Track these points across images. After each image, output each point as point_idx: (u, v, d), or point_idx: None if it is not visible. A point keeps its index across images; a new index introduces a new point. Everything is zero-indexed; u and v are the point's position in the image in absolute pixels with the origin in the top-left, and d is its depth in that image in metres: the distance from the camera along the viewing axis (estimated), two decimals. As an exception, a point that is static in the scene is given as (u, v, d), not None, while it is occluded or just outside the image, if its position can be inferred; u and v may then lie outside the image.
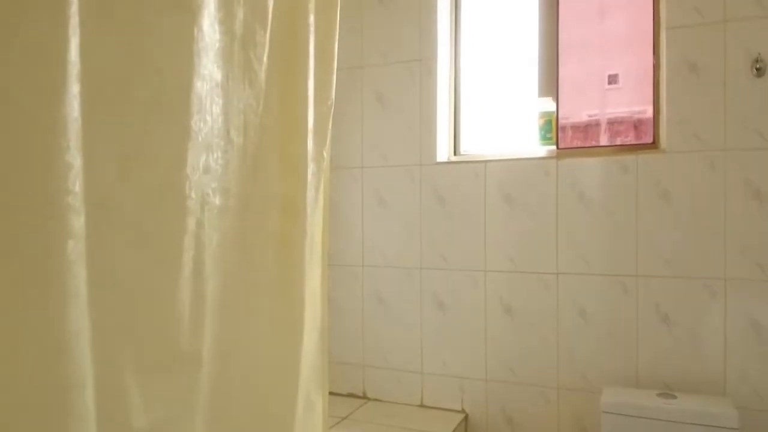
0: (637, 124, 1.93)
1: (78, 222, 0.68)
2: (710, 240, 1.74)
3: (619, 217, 1.85)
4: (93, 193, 0.71)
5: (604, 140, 1.98)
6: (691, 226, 1.76)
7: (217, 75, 0.95)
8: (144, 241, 0.80)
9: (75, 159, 0.68)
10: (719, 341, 1.73)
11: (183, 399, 0.86)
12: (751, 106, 1.71)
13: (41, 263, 0.64)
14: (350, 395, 2.27)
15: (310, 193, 1.20)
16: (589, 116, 2.00)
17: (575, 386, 1.90)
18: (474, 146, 2.25)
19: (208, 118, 0.93)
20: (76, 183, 0.68)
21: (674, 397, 1.65)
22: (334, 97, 1.31)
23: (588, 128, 2.00)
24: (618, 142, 1.96)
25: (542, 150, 2.07)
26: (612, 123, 1.96)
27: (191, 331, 0.87)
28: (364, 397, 2.25)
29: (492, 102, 2.27)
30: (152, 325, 0.81)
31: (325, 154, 1.29)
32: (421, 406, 2.15)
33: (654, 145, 1.88)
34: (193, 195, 0.88)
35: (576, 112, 2.02)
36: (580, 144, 2.01)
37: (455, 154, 2.23)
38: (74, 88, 0.68)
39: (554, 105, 2.04)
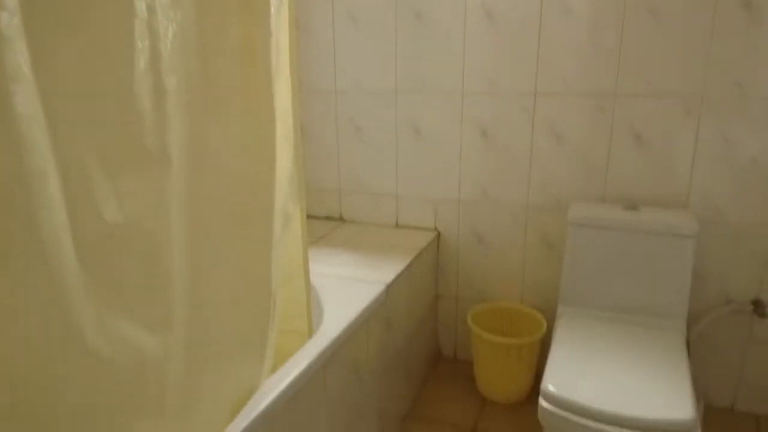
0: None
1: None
2: (692, 57, 1.69)
3: (603, 33, 1.76)
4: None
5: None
6: (677, 42, 1.69)
7: None
8: (88, 21, 0.72)
9: None
10: (687, 159, 1.77)
11: (156, 196, 0.85)
12: None
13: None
14: (327, 218, 2.34)
15: (273, -10, 1.08)
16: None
17: (544, 206, 1.97)
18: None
19: None
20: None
21: (638, 209, 1.72)
22: None
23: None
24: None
25: (528, -44, 1.89)
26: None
27: (155, 126, 0.83)
28: (341, 219, 2.32)
29: None
30: (112, 116, 0.77)
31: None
32: (396, 226, 2.23)
33: (648, -51, 1.73)
34: (139, -25, 0.78)
35: None
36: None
37: (434, -37, 2.04)
38: None
39: None
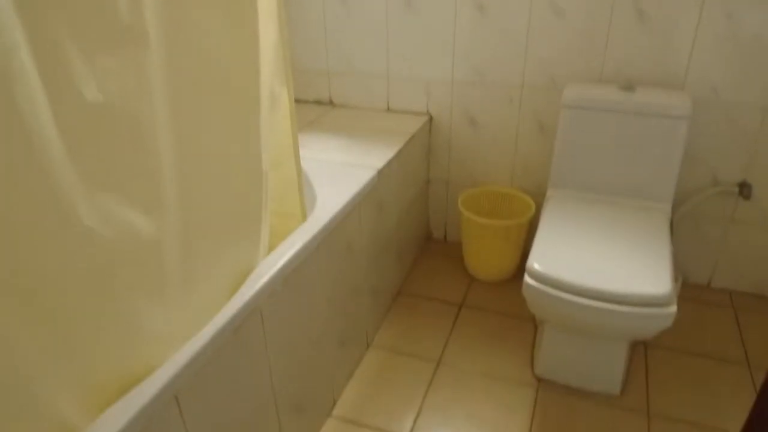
0: None
1: None
2: None
3: None
4: None
5: None
6: None
7: None
8: None
9: None
10: (689, 36, 1.69)
11: (137, 75, 0.81)
12: None
13: None
14: (316, 102, 2.28)
15: None
16: None
17: (539, 86, 1.92)
18: None
19: None
20: None
21: (633, 90, 1.69)
22: None
23: None
24: None
25: None
26: None
27: (129, 3, 0.78)
28: (331, 103, 2.26)
29: None
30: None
31: None
32: (387, 110, 2.18)
33: None
34: None
35: None
36: None
37: None
38: None
39: None
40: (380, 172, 1.67)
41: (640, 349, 1.72)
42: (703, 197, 1.85)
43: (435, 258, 2.22)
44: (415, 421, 1.49)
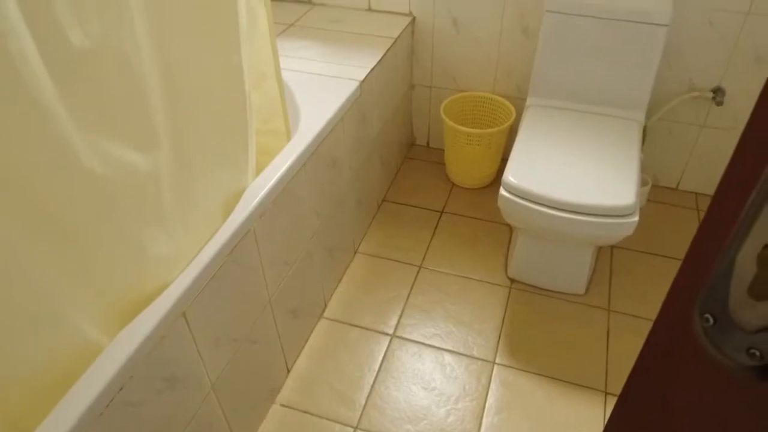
0: None
1: None
2: None
3: None
4: None
5: None
6: None
7: None
8: None
9: None
10: (679, -68, 1.64)
11: (119, 14, 0.82)
12: None
13: None
14: (295, 0, 2.20)
15: None
16: None
17: (524, -15, 1.87)
18: None
19: None
20: None
21: (617, -6, 1.66)
22: None
23: None
24: None
25: None
26: None
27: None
28: (310, 2, 2.19)
29: None
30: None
31: None
32: (369, 9, 2.12)
33: None
34: None
35: None
36: None
37: None
38: None
39: None
40: (363, 84, 1.68)
41: (607, 251, 1.86)
42: (677, 102, 1.89)
43: (418, 164, 2.28)
44: (399, 321, 1.64)
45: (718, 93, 1.84)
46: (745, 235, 0.35)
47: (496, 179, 2.15)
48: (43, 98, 0.73)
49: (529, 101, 1.82)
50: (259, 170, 1.32)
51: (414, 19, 2.07)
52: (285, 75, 1.58)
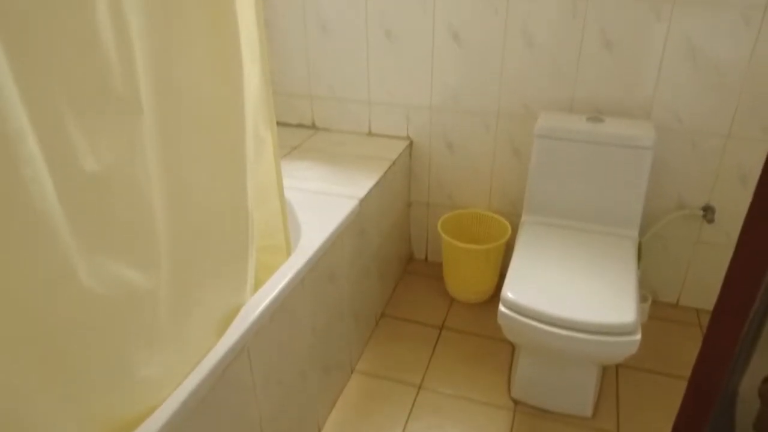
0: None
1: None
2: (669, -42, 1.65)
3: (580, -69, 1.69)
4: None
5: None
6: (654, -58, 1.64)
7: None
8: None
9: None
10: (655, 67, 1.79)
11: (131, 142, 0.86)
12: None
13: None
14: (299, 125, 2.33)
15: None
16: None
17: (514, 113, 2.00)
18: None
19: None
20: None
21: (602, 120, 1.77)
22: None
23: None
24: None
25: None
26: None
27: (122, 74, 0.83)
28: (314, 126, 2.32)
29: None
30: (78, 69, 0.76)
31: None
32: (369, 134, 2.24)
33: None
34: None
35: None
36: None
37: None
38: None
39: None
40: (362, 201, 1.73)
41: (612, 370, 1.81)
42: (669, 220, 1.94)
43: (417, 279, 2.28)
44: (397, 445, 1.55)
45: (708, 211, 1.89)
46: (744, 367, 0.35)
47: (496, 294, 2.14)
48: (50, 219, 0.75)
49: (524, 218, 1.86)
50: (258, 286, 1.32)
51: (411, 142, 2.19)
52: (288, 193, 1.64)
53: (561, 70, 1.88)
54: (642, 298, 1.90)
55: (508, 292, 1.45)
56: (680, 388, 1.73)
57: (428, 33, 1.98)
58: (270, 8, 2.10)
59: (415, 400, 1.70)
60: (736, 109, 1.76)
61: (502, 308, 1.45)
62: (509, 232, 2.06)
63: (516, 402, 1.68)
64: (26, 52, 0.69)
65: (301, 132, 2.28)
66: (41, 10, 0.70)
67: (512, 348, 1.90)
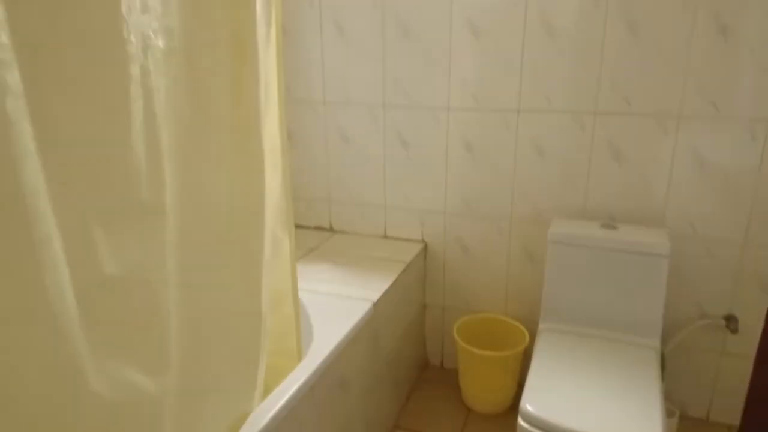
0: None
1: (13, 77, 0.64)
2: (671, 77, 1.74)
3: (585, 52, 1.81)
4: (24, 43, 0.66)
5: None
6: (655, 62, 1.75)
7: None
8: (88, 92, 0.76)
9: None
10: (665, 177, 1.83)
11: (151, 246, 0.89)
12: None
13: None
14: (317, 228, 2.38)
15: (260, 30, 1.12)
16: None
17: (527, 218, 2.03)
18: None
19: (140, -54, 0.83)
20: (2, 34, 0.62)
21: (615, 228, 1.79)
22: None
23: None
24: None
25: (513, -23, 1.93)
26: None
27: (150, 180, 0.88)
28: (331, 229, 2.37)
29: None
30: (109, 178, 0.81)
31: (275, -17, 1.18)
32: (384, 237, 2.28)
33: (629, -27, 1.78)
34: (132, 38, 0.82)
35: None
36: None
37: (421, -22, 2.07)
38: None
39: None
40: (376, 304, 1.72)
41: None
42: (691, 330, 1.88)
43: (432, 387, 2.21)
44: None
45: (730, 321, 1.83)
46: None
47: (514, 404, 2.04)
48: (67, 321, 0.76)
49: (541, 325, 1.83)
50: (267, 391, 1.29)
51: (426, 245, 2.21)
52: (302, 295, 1.64)
53: (572, 179, 1.93)
54: (668, 413, 1.80)
55: (527, 404, 1.39)
56: None
57: (442, 142, 2.07)
58: (294, 120, 2.23)
59: None
60: (750, 217, 1.77)
61: (521, 422, 1.38)
62: (527, 338, 2.01)
63: None
64: (62, 162, 0.73)
65: (318, 234, 2.33)
66: (81, 123, 0.76)
67: (533, 465, 1.78)
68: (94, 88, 0.77)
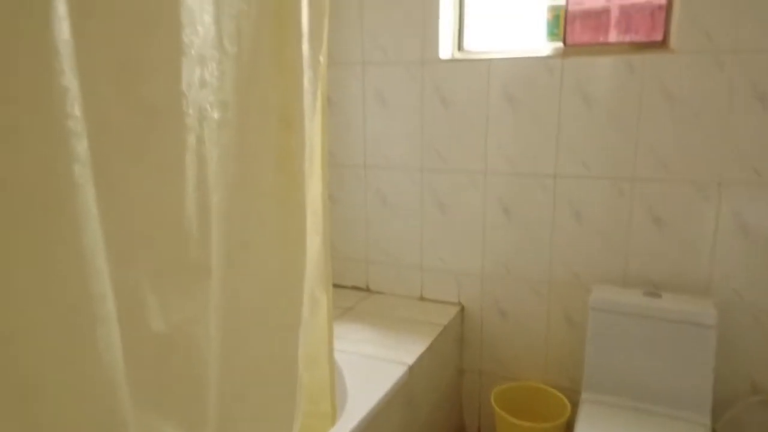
0: (653, 12, 1.85)
1: (81, 146, 0.70)
2: (709, 143, 1.74)
3: (621, 119, 1.84)
4: (93, 115, 0.72)
5: (613, 35, 1.92)
6: (692, 129, 1.75)
7: (207, -20, 0.92)
8: (147, 160, 0.82)
9: (71, 82, 0.68)
10: (708, 243, 1.79)
11: (196, 304, 0.93)
12: (765, 8, 1.63)
13: (58, 188, 0.67)
14: (354, 288, 2.40)
15: (307, 101, 1.19)
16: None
17: (566, 283, 2.00)
18: (479, 42, 2.17)
19: (200, 28, 0.91)
20: (75, 106, 0.69)
21: (659, 296, 1.74)
22: (330, -4, 1.26)
23: (600, 16, 1.92)
24: (628, 39, 1.89)
25: (548, 48, 2.00)
26: (625, 10, 1.87)
27: (199, 242, 0.92)
28: (367, 289, 2.38)
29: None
30: (162, 239, 0.86)
31: (321, 59, 1.27)
32: (421, 298, 2.28)
33: (664, 43, 1.82)
34: (191, 111, 0.89)
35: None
36: (589, 39, 1.94)
37: (459, 50, 2.17)
38: (61, 9, 0.66)
39: (564, -1, 1.94)
40: (411, 368, 1.71)
41: None
42: (744, 406, 1.78)
43: (468, 455, 2.13)
44: None
45: (788, 397, 1.73)
46: None
47: (555, 480, 1.94)
48: (113, 373, 0.79)
49: (583, 395, 1.76)
50: (299, 456, 1.28)
51: (463, 308, 2.20)
52: (337, 356, 1.64)
53: (611, 244, 1.91)
54: (725, 497, 1.68)
55: (567, 479, 1.33)
56: None
57: (479, 207, 2.09)
58: (335, 183, 2.31)
59: None
60: (802, 287, 1.70)
61: (561, 498, 1.32)
62: (569, 410, 1.93)
63: None
64: (120, 224, 0.79)
65: (355, 294, 2.35)
66: (139, 187, 0.82)
67: None
68: (153, 155, 0.83)
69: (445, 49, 2.10)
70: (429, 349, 1.86)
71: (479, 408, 2.25)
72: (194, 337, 0.92)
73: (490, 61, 2.00)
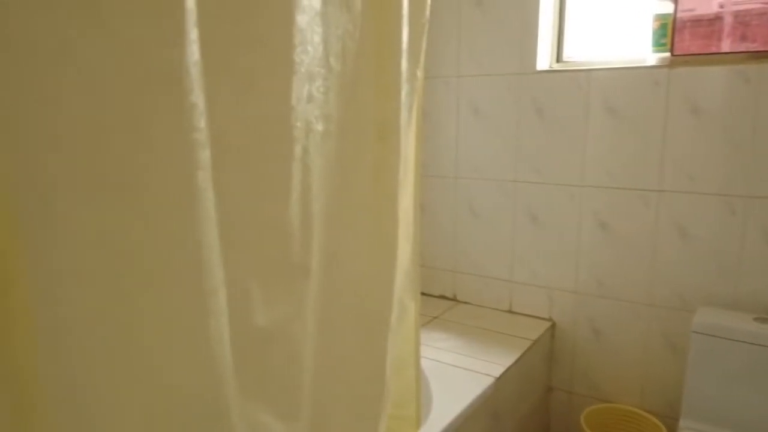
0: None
1: (204, 154, 0.79)
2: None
3: (734, 132, 1.72)
4: (215, 126, 0.81)
5: (727, 44, 1.80)
6: (819, 143, 1.61)
7: (317, 4, 0.99)
8: (258, 168, 0.90)
9: (198, 98, 0.77)
10: (834, 267, 1.63)
11: (296, 302, 1.00)
12: None
13: (184, 191, 0.76)
14: (441, 297, 2.42)
15: (403, 115, 1.24)
16: (720, 6, 1.80)
17: (668, 304, 1.90)
18: (579, 52, 2.12)
19: (310, 48, 0.98)
20: (201, 120, 0.78)
21: (772, 321, 1.61)
22: (428, 13, 1.30)
23: (713, 23, 1.81)
24: (743, 48, 1.76)
25: (654, 57, 1.92)
26: (740, 17, 1.75)
27: (301, 245, 0.99)
28: (454, 299, 2.39)
29: (602, 1, 2.10)
30: (269, 241, 0.94)
31: (418, 74, 1.31)
32: (509, 311, 2.25)
33: (785, 51, 1.69)
34: (298, 124, 0.96)
35: (703, 2, 1.81)
36: (699, 48, 1.83)
37: (558, 61, 2.13)
38: (193, 34, 0.75)
39: (672, 5, 1.85)
40: (498, 380, 1.70)
41: None
42: None
43: (554, 476, 2.07)
44: None
45: None
46: None
47: None
48: (221, 362, 0.87)
49: (682, 423, 1.66)
50: (383, 457, 1.32)
51: (554, 324, 2.14)
52: (423, 363, 1.67)
53: (720, 265, 1.79)
54: None
55: None
56: None
57: (574, 220, 2.04)
58: (426, 193, 2.34)
59: None
60: None
61: None
62: (665, 437, 1.83)
63: None
64: (232, 224, 0.87)
65: (442, 303, 2.36)
66: (251, 192, 0.90)
67: None
68: (264, 163, 0.91)
69: (543, 60, 2.08)
70: (517, 362, 1.83)
71: (567, 428, 2.17)
72: (292, 333, 0.99)
73: (590, 72, 1.95)
